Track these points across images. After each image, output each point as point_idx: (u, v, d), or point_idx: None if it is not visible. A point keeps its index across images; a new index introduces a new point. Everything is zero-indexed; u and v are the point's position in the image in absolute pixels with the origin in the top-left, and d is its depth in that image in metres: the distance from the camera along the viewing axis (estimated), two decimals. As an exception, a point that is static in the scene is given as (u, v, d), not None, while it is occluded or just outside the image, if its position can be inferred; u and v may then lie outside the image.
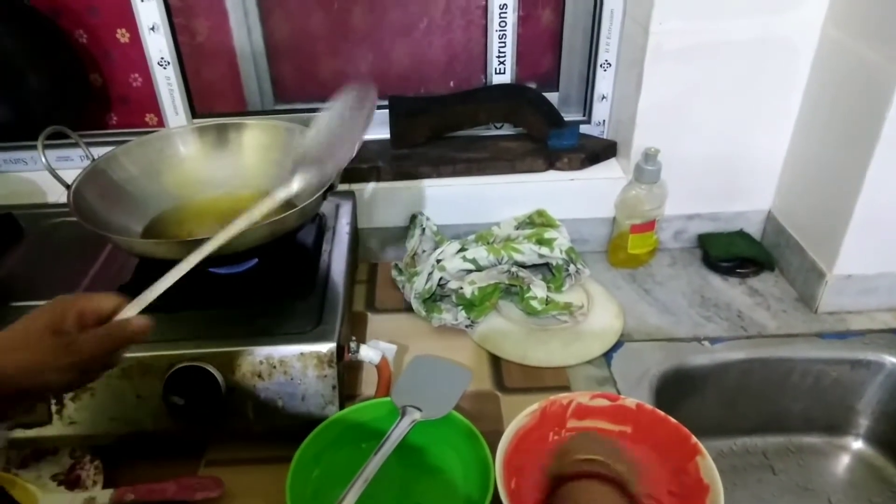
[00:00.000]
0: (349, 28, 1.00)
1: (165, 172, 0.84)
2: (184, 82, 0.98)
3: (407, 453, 0.67)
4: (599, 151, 0.99)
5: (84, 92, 1.03)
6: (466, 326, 0.85)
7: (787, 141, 0.92)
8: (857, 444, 0.87)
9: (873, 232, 0.81)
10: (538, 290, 0.86)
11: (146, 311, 0.51)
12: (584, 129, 1.02)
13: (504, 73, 1.01)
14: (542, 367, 0.80)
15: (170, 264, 0.54)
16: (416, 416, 0.65)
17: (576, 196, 0.97)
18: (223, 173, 0.85)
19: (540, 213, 0.96)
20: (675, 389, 0.81)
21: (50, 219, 0.88)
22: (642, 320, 0.88)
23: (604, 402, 0.65)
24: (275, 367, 0.66)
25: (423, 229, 0.96)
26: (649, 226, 0.94)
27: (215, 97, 1.03)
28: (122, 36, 0.99)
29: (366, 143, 1.00)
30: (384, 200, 0.97)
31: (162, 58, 0.95)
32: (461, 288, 0.86)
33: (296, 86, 1.05)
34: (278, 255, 0.78)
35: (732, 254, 0.96)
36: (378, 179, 0.96)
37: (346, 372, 0.72)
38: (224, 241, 0.56)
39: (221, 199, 0.84)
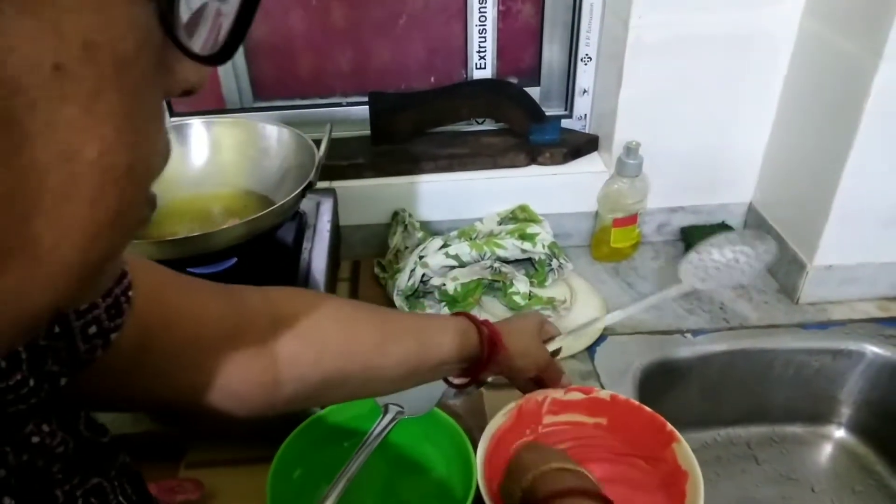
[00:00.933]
0: (328, 24, 0.99)
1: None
2: (161, 80, 0.97)
3: (390, 451, 0.67)
4: (581, 146, 0.99)
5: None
6: (450, 323, 0.85)
7: (767, 133, 0.93)
8: (840, 433, 0.88)
9: (853, 223, 0.82)
10: (521, 285, 0.86)
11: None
12: (565, 123, 1.02)
13: (485, 68, 1.01)
14: (525, 363, 0.80)
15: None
16: (399, 413, 0.65)
17: (558, 191, 0.97)
18: (201, 171, 0.84)
19: (522, 209, 0.96)
20: (659, 382, 0.81)
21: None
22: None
23: (578, 396, 0.65)
24: (255, 366, 0.65)
25: (406, 226, 0.95)
26: (632, 219, 0.94)
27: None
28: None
29: (346, 140, 1.00)
30: (366, 197, 0.96)
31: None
32: (444, 284, 0.86)
33: (275, 83, 1.04)
34: (257, 254, 0.77)
35: (714, 246, 0.96)
36: (359, 176, 0.95)
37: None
38: None
39: (200, 197, 0.83)
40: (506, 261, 0.89)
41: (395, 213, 0.97)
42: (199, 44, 0.22)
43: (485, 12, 0.97)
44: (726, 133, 0.93)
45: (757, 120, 0.92)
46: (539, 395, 0.64)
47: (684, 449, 0.60)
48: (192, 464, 0.69)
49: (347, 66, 1.02)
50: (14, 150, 0.18)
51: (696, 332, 0.84)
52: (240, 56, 1.00)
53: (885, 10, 0.69)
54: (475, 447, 0.61)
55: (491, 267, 0.87)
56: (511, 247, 0.88)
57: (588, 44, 0.96)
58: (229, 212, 0.81)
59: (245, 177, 0.84)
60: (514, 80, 1.03)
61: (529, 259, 0.90)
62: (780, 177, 0.92)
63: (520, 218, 0.95)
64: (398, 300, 0.87)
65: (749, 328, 0.85)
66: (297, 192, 0.72)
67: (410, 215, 0.96)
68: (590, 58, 0.97)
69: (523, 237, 0.89)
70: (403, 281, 0.86)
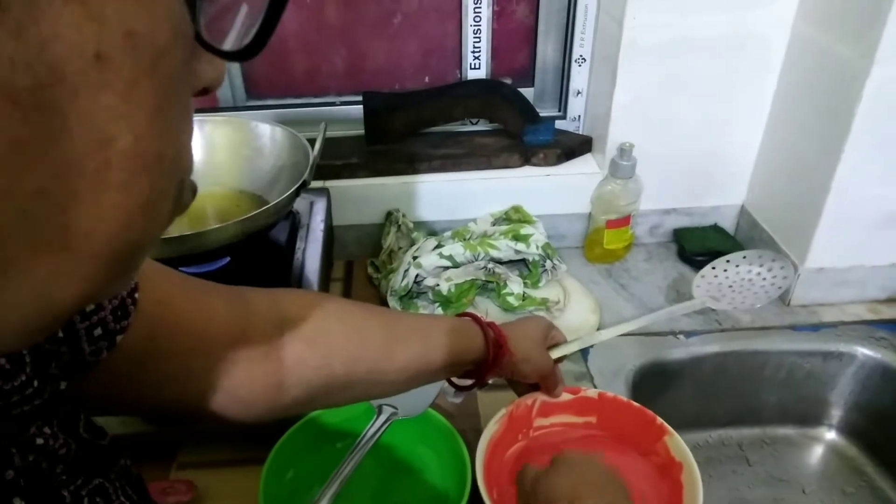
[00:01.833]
0: (322, 23, 0.98)
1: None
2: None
3: (384, 453, 0.66)
4: (575, 147, 0.99)
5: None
6: (443, 323, 0.85)
7: (759, 136, 0.93)
8: (830, 435, 0.88)
9: (844, 226, 0.82)
10: (515, 286, 0.86)
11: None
12: (559, 124, 1.02)
13: (479, 68, 1.01)
14: (519, 364, 0.80)
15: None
16: (393, 414, 0.65)
17: (552, 192, 0.97)
18: (194, 171, 0.84)
19: (516, 209, 0.96)
20: (652, 383, 0.81)
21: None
22: (618, 314, 0.88)
23: (567, 397, 0.65)
24: (248, 367, 0.65)
25: (400, 226, 0.95)
26: (625, 221, 0.94)
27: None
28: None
29: (340, 140, 0.99)
30: (360, 197, 0.96)
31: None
32: (438, 285, 0.85)
33: (268, 82, 1.03)
34: (251, 254, 0.76)
35: (707, 248, 0.96)
36: (353, 176, 0.95)
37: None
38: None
39: (192, 196, 0.83)
40: (499, 261, 0.89)
41: (389, 214, 0.97)
42: (224, 40, 0.22)
43: (479, 12, 0.97)
44: (719, 135, 0.93)
45: (750, 122, 0.92)
46: (528, 398, 0.64)
47: (676, 441, 0.60)
48: (184, 465, 0.68)
49: (342, 66, 1.02)
50: (54, 139, 0.18)
51: (688, 334, 0.84)
52: (233, 54, 1.00)
53: (877, 13, 0.69)
54: (469, 448, 0.61)
55: (485, 267, 0.87)
56: (505, 247, 0.88)
57: (582, 45, 0.96)
58: (222, 211, 0.80)
59: (238, 176, 0.83)
60: (508, 81, 1.03)
61: (523, 260, 0.90)
62: (773, 179, 0.92)
63: (513, 219, 0.95)
64: (392, 300, 0.87)
65: (741, 330, 0.85)
66: (290, 191, 0.72)
67: (404, 215, 0.96)
68: (584, 59, 0.97)
69: (517, 238, 0.89)
70: (397, 281, 0.86)
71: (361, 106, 0.97)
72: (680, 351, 0.83)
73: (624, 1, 0.83)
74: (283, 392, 0.46)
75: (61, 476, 0.29)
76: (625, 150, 0.89)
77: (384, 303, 0.88)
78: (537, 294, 0.87)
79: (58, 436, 0.30)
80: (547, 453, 0.63)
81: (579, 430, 0.65)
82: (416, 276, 0.87)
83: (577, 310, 0.86)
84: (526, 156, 0.97)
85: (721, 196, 0.99)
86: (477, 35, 0.98)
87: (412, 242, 0.93)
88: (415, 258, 0.88)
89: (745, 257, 0.72)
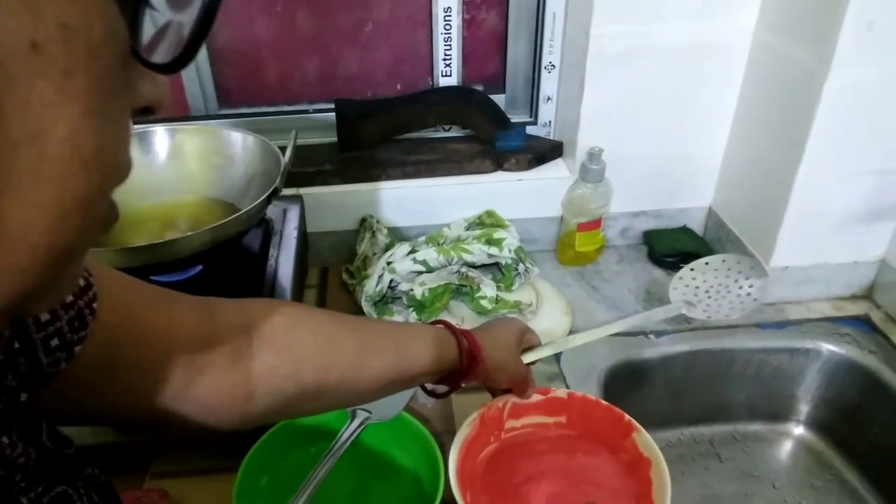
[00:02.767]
0: (294, 32, 0.99)
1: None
2: (123, 87, 0.96)
3: (358, 457, 0.67)
4: (546, 152, 1.00)
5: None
6: (418, 328, 0.85)
7: (725, 139, 0.95)
8: (799, 430, 0.90)
9: (807, 225, 0.84)
10: (488, 289, 0.87)
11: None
12: (530, 130, 1.03)
13: (450, 75, 1.02)
14: (493, 366, 0.81)
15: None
16: (366, 418, 0.65)
17: (524, 196, 0.98)
18: (165, 179, 0.84)
19: (489, 214, 0.97)
20: (624, 383, 0.82)
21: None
22: (591, 316, 0.89)
23: (537, 397, 0.66)
24: (221, 374, 0.65)
25: (374, 232, 0.95)
26: (596, 224, 0.96)
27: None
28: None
29: (313, 147, 1.00)
30: (333, 204, 0.96)
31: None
32: (412, 289, 0.86)
33: (240, 90, 1.03)
34: (223, 262, 0.76)
35: (677, 249, 0.98)
36: (326, 183, 0.95)
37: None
38: None
39: (163, 205, 0.82)
40: (473, 266, 0.90)
41: (363, 220, 0.97)
42: (155, 53, 0.23)
43: (450, 20, 0.98)
44: (686, 139, 0.95)
45: (715, 127, 0.94)
46: (499, 401, 0.65)
47: (644, 437, 0.61)
48: (157, 474, 0.68)
49: (314, 73, 1.02)
50: None
51: (659, 334, 0.86)
52: (204, 63, 1.00)
53: (832, 20, 0.72)
54: (443, 451, 0.62)
55: (458, 272, 0.88)
56: (478, 252, 0.89)
57: (551, 52, 0.98)
58: (194, 219, 0.80)
59: (210, 184, 0.83)
60: (479, 88, 1.05)
61: (496, 263, 0.91)
62: (738, 181, 0.95)
63: (486, 223, 0.96)
64: (366, 306, 0.87)
65: (710, 329, 0.87)
66: (262, 198, 0.72)
67: (378, 221, 0.96)
68: (553, 66, 0.99)
69: (490, 242, 0.90)
70: (371, 287, 0.87)
71: (334, 113, 0.97)
72: (651, 350, 0.84)
73: (590, 10, 0.85)
74: (253, 401, 0.46)
75: (20, 483, 0.29)
76: (594, 155, 0.91)
77: (359, 309, 0.88)
78: (510, 297, 0.88)
79: (16, 445, 0.30)
80: (518, 455, 0.64)
81: (550, 429, 0.66)
82: (391, 281, 0.87)
83: (550, 312, 0.87)
84: (498, 161, 0.98)
85: (689, 198, 1.01)
86: (448, 43, 0.99)
87: (386, 248, 0.93)
88: (389, 264, 0.88)
89: (724, 261, 0.73)
